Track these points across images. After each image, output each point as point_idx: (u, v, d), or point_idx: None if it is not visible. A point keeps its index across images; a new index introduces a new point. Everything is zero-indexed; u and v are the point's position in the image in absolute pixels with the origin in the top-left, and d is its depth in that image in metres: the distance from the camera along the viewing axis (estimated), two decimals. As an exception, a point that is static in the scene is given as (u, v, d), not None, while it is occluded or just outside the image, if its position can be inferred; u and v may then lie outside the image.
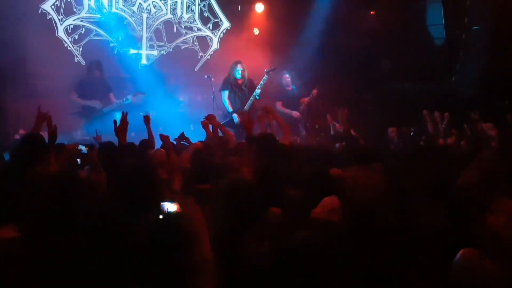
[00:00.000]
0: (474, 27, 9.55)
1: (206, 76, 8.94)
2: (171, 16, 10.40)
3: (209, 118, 5.98)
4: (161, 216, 2.25)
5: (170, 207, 2.29)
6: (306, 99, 9.20)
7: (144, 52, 10.21)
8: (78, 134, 8.78)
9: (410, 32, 10.35)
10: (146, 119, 6.11)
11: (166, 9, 10.36)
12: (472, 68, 9.54)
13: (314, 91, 9.10)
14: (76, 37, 9.65)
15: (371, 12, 11.27)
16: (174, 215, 2.25)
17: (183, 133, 6.72)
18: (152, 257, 2.26)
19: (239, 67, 8.81)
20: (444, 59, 9.98)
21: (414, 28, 10.35)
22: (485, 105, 8.74)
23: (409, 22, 10.39)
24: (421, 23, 10.24)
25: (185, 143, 6.41)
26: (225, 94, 8.84)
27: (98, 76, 8.70)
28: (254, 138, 4.78)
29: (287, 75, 9.48)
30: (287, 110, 9.21)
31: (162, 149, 5.00)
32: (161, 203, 2.30)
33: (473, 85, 9.43)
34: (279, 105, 9.32)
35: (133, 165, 4.22)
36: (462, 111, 8.70)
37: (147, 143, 5.89)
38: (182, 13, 10.48)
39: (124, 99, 8.64)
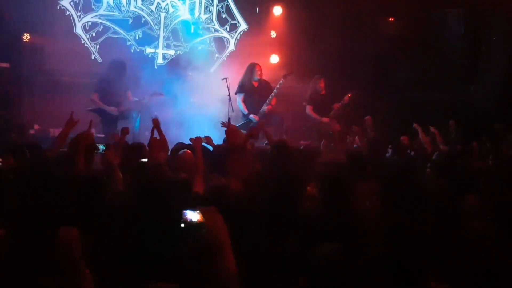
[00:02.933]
0: (494, 38, 9.43)
1: (222, 78, 8.86)
2: (189, 16, 10.37)
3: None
4: (182, 225, 2.21)
5: (192, 216, 2.23)
6: (338, 105, 9.02)
7: (160, 51, 10.19)
8: (93, 132, 8.78)
9: (429, 40, 10.24)
10: (155, 122, 5.98)
11: (184, 9, 10.34)
12: (491, 78, 9.41)
13: (346, 98, 8.91)
14: (94, 34, 9.64)
15: (390, 19, 11.18)
16: (196, 225, 2.20)
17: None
18: (174, 267, 2.22)
19: (256, 70, 8.72)
20: (463, 69, 9.86)
21: (434, 37, 10.23)
22: (503, 116, 8.65)
23: (429, 31, 10.28)
24: (441, 32, 10.12)
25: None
26: (241, 96, 8.77)
27: (120, 76, 8.65)
28: (238, 147, 4.61)
29: (322, 80, 9.22)
30: (317, 116, 9.07)
31: (189, 151, 4.94)
32: (183, 211, 2.23)
33: (491, 95, 9.31)
34: (309, 110, 9.16)
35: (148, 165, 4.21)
36: (480, 122, 8.65)
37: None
38: (200, 14, 10.45)
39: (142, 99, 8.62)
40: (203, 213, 2.22)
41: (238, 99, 8.78)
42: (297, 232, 2.90)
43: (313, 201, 3.28)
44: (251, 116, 8.67)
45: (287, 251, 2.68)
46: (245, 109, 8.74)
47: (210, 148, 6.34)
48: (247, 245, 2.48)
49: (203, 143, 6.51)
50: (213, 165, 4.63)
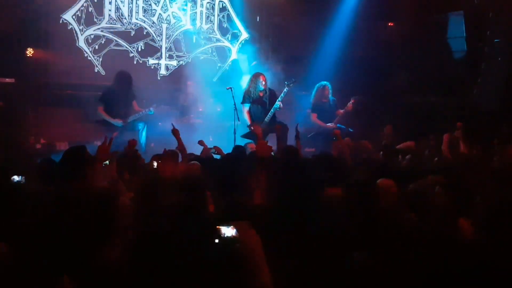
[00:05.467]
0: (496, 40, 9.47)
1: (227, 88, 8.85)
2: (191, 26, 10.42)
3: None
4: (217, 240, 2.22)
5: (226, 231, 2.23)
6: (342, 111, 9.00)
7: (163, 62, 10.21)
8: (98, 145, 8.77)
9: (431, 44, 10.28)
10: (176, 132, 5.94)
11: (186, 20, 10.38)
12: (494, 81, 9.45)
13: (349, 105, 8.93)
14: (96, 47, 9.66)
15: (390, 24, 11.24)
16: (231, 240, 2.21)
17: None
18: (209, 283, 2.22)
19: (261, 80, 8.67)
20: (465, 71, 9.90)
21: (435, 40, 10.28)
22: (507, 118, 8.68)
23: (430, 34, 10.33)
24: (442, 35, 10.16)
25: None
26: (246, 107, 8.71)
27: (125, 88, 8.65)
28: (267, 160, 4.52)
29: (328, 87, 9.15)
30: (321, 123, 9.08)
31: (197, 163, 4.91)
32: (217, 226, 2.24)
33: (494, 98, 9.34)
34: (313, 117, 9.15)
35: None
36: (484, 125, 8.66)
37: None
38: (201, 24, 10.49)
39: (147, 110, 8.60)
40: (237, 227, 2.23)
41: (244, 110, 8.73)
42: (324, 241, 2.89)
43: (335, 207, 3.26)
44: (253, 128, 8.62)
45: (317, 261, 2.68)
46: (249, 120, 8.70)
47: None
48: (279, 257, 2.48)
49: (213, 154, 6.55)
50: (227, 178, 4.57)
